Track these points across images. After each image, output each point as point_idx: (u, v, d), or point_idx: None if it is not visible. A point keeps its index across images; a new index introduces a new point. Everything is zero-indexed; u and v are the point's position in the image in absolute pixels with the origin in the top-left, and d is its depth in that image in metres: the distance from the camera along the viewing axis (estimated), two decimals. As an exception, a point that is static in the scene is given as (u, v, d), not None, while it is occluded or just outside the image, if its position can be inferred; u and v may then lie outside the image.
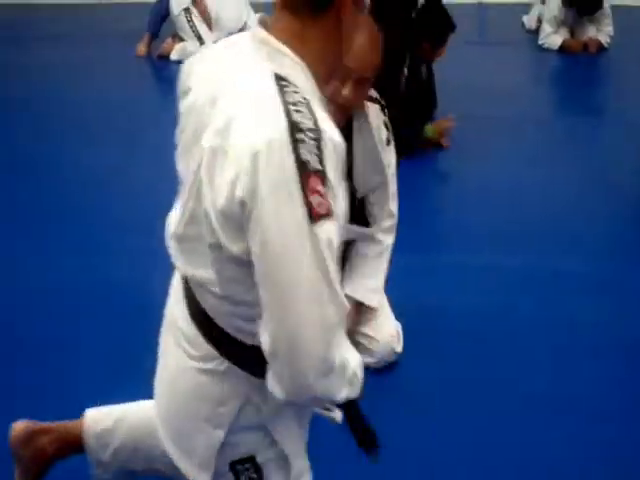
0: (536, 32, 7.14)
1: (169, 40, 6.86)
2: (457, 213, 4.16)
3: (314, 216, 1.26)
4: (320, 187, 1.26)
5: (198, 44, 6.54)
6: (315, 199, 1.26)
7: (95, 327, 3.13)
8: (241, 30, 5.69)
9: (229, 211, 1.31)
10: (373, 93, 2.59)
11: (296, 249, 1.28)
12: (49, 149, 4.92)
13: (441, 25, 4.67)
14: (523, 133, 5.11)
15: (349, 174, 2.57)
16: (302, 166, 1.25)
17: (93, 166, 4.58)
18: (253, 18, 6.18)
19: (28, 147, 4.96)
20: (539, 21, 7.18)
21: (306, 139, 1.26)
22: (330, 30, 1.40)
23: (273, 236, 1.28)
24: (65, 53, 6.87)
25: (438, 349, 3.00)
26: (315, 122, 1.28)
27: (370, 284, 2.78)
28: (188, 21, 6.70)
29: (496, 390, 2.80)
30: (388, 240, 2.78)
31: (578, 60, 6.73)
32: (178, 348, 1.62)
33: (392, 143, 2.67)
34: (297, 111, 1.28)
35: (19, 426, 2.22)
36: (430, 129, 4.79)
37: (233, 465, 1.64)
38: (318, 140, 1.27)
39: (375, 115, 2.59)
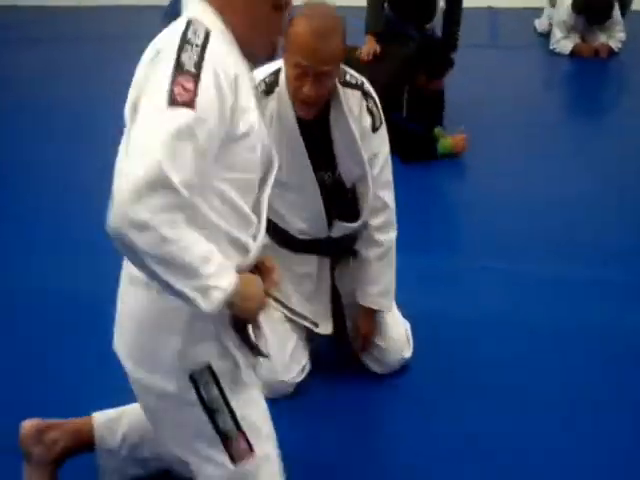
0: (548, 36, 7.11)
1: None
2: (469, 218, 4.15)
3: (172, 101, 1.56)
4: (189, 85, 1.59)
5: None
6: (178, 89, 1.57)
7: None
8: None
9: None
10: (354, 78, 2.49)
11: (152, 114, 1.58)
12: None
13: (440, 60, 4.73)
14: (534, 137, 5.07)
15: (331, 163, 2.51)
16: (178, 66, 1.60)
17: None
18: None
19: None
20: (550, 25, 7.14)
21: (189, 49, 1.63)
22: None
23: (143, 103, 1.61)
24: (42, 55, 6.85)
25: (450, 354, 2.97)
26: (202, 46, 1.64)
27: (376, 289, 2.69)
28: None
29: (516, 396, 2.76)
30: (387, 237, 2.65)
31: (589, 65, 6.70)
32: (130, 285, 1.83)
33: (382, 128, 2.53)
34: (193, 33, 1.66)
35: (28, 424, 2.25)
36: (442, 146, 4.77)
37: (192, 377, 1.80)
38: (199, 54, 1.63)
39: (355, 103, 2.47)
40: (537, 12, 7.57)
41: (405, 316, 2.89)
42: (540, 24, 7.48)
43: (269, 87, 2.43)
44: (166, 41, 1.69)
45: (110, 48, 6.83)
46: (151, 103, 1.59)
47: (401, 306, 2.88)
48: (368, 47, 4.78)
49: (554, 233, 3.87)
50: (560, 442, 2.55)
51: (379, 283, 2.69)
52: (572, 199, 4.21)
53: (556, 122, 5.45)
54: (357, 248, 2.68)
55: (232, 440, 1.88)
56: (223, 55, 1.69)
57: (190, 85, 1.58)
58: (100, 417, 2.27)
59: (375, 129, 2.51)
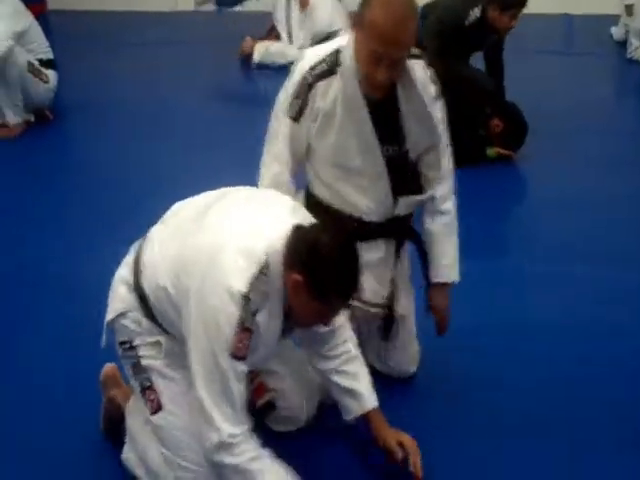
0: (624, 44, 7.00)
1: (248, 39, 6.73)
2: (536, 221, 4.15)
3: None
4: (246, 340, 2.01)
5: (287, 41, 6.50)
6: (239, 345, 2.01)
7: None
8: (329, 36, 5.52)
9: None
10: (414, 50, 2.45)
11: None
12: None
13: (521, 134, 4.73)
14: (608, 144, 5.01)
15: (398, 138, 2.50)
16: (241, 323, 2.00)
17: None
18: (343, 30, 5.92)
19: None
20: (627, 33, 7.04)
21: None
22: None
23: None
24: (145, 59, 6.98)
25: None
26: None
27: (445, 261, 2.66)
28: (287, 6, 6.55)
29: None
30: (451, 205, 2.64)
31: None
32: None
33: (441, 98, 2.53)
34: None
35: (108, 368, 2.58)
36: (491, 152, 4.77)
37: (120, 345, 2.31)
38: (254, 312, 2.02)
39: (421, 72, 2.47)
40: (614, 19, 7.45)
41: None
42: (617, 32, 7.37)
43: (330, 66, 2.41)
44: None
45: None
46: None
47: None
48: None
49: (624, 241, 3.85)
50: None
51: (448, 254, 2.67)
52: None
53: (631, 130, 5.38)
54: (422, 221, 2.66)
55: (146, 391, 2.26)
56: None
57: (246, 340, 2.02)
58: None
59: (437, 97, 2.52)
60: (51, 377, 2.90)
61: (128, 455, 2.42)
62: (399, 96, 2.45)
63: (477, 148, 4.75)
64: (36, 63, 5.21)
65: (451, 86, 4.56)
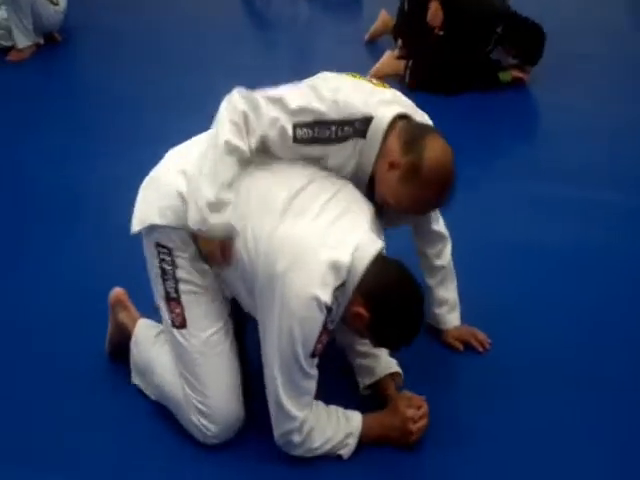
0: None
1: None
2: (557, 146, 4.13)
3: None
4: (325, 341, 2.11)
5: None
6: (318, 345, 2.09)
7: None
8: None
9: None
10: None
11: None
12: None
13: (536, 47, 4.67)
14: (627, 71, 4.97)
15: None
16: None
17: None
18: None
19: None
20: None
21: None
22: None
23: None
24: None
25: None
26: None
27: (444, 309, 2.69)
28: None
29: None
30: (446, 259, 2.63)
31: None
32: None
33: None
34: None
35: (116, 291, 2.58)
36: (504, 75, 4.72)
37: (157, 245, 2.26)
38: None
39: None
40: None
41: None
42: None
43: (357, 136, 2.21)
44: None
45: None
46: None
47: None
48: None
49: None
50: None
51: (449, 302, 2.69)
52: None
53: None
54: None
55: (172, 302, 2.27)
56: None
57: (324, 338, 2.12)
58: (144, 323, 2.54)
59: None
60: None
61: (135, 380, 2.50)
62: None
63: (489, 72, 4.71)
64: (46, -15, 5.15)
65: (459, 12, 4.58)
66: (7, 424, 2.41)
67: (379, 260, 2.11)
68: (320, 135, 2.15)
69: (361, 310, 2.10)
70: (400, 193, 2.19)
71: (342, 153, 2.20)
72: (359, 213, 2.19)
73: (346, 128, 2.15)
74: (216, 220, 2.11)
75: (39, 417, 2.43)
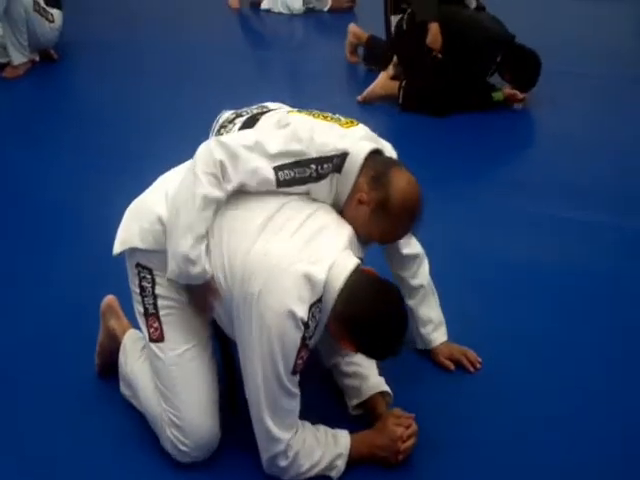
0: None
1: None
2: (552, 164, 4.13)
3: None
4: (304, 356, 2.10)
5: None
6: (299, 362, 2.09)
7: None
8: None
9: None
10: None
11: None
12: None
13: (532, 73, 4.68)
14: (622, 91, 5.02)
15: None
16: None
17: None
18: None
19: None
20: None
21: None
22: None
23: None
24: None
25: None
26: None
27: (429, 329, 2.68)
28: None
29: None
30: (423, 278, 2.63)
31: None
32: None
33: None
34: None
35: (108, 298, 2.62)
36: (497, 94, 4.73)
37: (137, 265, 2.31)
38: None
39: None
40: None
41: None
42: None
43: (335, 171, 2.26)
44: None
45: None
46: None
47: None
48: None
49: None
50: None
51: (433, 320, 2.68)
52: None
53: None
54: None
55: (150, 317, 2.31)
56: None
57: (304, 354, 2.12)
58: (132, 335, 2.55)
59: None
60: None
61: (123, 390, 2.51)
62: None
63: (483, 93, 4.74)
64: (42, 2, 5.18)
65: (462, 37, 4.59)
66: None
67: (356, 276, 2.10)
68: (301, 175, 2.21)
69: (345, 343, 2.13)
70: (371, 227, 2.26)
71: (323, 189, 2.25)
72: (336, 231, 2.20)
73: (325, 165, 2.21)
74: (194, 271, 2.16)
75: (26, 432, 2.43)
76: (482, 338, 2.77)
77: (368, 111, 4.59)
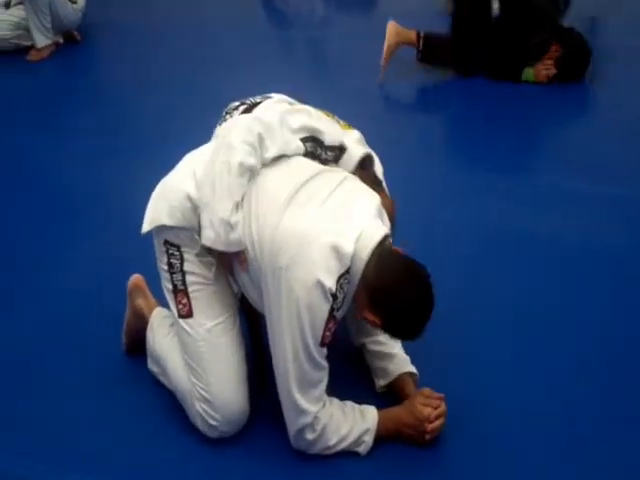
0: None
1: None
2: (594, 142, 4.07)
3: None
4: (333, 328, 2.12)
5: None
6: (327, 333, 2.11)
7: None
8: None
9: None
10: None
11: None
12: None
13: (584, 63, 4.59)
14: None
15: None
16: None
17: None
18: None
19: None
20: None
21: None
22: None
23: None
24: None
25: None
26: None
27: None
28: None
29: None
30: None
31: None
32: None
33: None
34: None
35: (135, 277, 2.65)
36: (529, 73, 4.66)
37: (166, 242, 2.32)
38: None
39: None
40: None
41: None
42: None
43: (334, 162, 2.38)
44: None
45: None
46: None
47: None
48: None
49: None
50: None
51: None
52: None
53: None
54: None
55: (179, 294, 2.33)
56: None
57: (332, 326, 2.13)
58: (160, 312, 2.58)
59: None
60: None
61: (151, 366, 2.54)
62: None
63: (515, 64, 4.64)
64: (64, -16, 5.20)
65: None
66: (23, 421, 2.44)
67: (383, 247, 2.12)
68: (314, 151, 2.32)
69: (370, 316, 2.13)
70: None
71: None
72: (364, 200, 2.21)
73: (329, 153, 2.33)
74: (233, 236, 2.17)
75: (55, 413, 2.46)
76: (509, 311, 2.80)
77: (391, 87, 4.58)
